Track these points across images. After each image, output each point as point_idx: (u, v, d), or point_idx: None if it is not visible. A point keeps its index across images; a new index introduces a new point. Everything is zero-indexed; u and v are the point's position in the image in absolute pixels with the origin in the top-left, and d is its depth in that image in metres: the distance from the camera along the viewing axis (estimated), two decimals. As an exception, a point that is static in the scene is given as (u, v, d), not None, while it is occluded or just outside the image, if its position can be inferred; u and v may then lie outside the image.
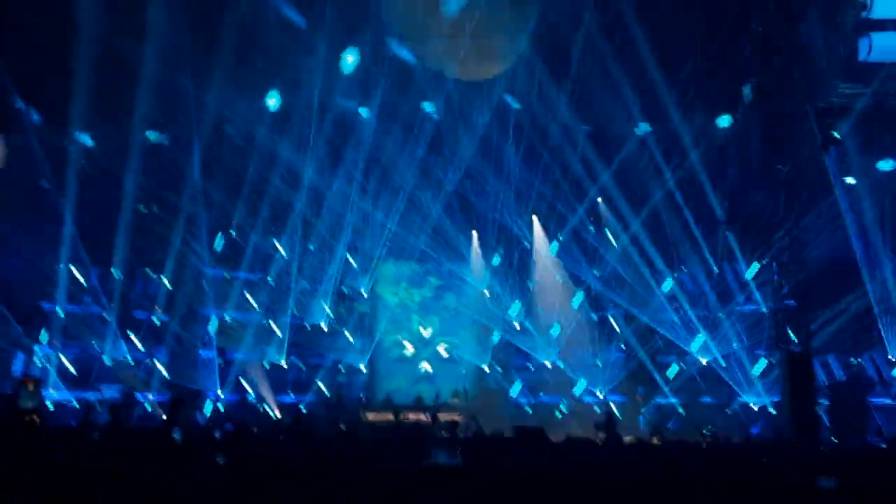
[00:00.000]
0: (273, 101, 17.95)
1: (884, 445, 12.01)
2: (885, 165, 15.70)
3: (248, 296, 20.44)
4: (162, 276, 19.68)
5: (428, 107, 18.47)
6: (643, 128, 18.12)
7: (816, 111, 12.59)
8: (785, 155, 15.61)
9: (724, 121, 17.40)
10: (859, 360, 18.68)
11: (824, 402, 17.15)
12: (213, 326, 20.17)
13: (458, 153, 19.42)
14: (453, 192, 19.82)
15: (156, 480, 5.99)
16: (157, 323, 19.86)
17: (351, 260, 20.87)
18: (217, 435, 9.86)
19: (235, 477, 6.30)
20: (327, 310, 20.87)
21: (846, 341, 18.63)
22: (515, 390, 20.70)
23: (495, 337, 21.18)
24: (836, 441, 15.36)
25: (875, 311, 17.33)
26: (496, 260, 21.08)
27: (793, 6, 12.73)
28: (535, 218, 20.93)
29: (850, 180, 16.18)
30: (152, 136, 18.39)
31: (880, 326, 17.38)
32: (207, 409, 19.03)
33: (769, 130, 15.89)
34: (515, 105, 18.38)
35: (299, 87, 17.48)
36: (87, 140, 18.11)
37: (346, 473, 6.43)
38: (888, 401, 18.42)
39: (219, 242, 20.11)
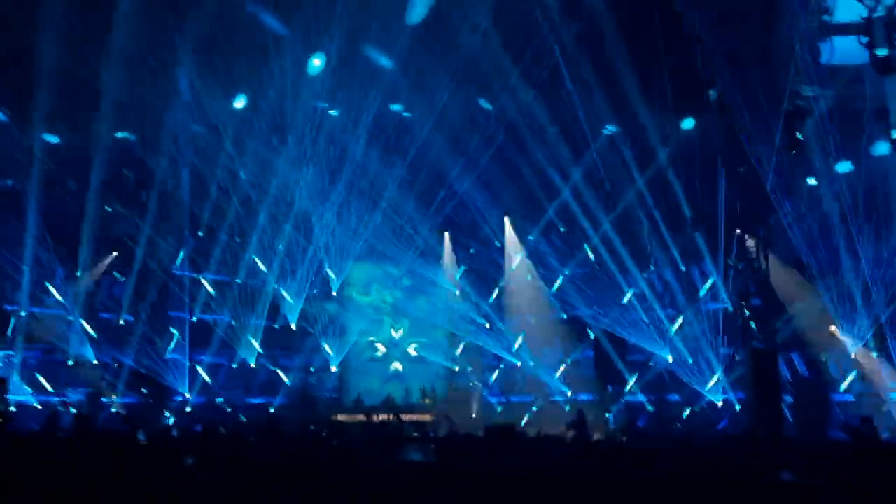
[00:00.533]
0: (241, 104, 17.81)
1: (840, 435, 12.26)
2: (842, 167, 16.05)
3: (216, 297, 20.21)
4: (124, 277, 19.38)
5: (395, 107, 18.49)
6: (610, 129, 18.30)
7: (781, 113, 12.85)
8: (750, 156, 15.88)
9: (687, 123, 17.64)
10: (822, 357, 19.06)
11: (788, 398, 17.49)
12: (180, 328, 19.91)
13: (429, 154, 19.44)
14: (426, 193, 19.81)
15: (123, 482, 5.92)
16: (123, 324, 19.53)
17: (322, 261, 20.75)
18: (175, 433, 9.74)
19: (207, 478, 6.24)
20: (297, 311, 20.73)
21: (809, 338, 19.00)
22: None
23: (466, 337, 21.24)
24: (797, 436, 15.67)
25: (833, 311, 17.69)
26: (465, 262, 21.15)
27: (758, 10, 12.98)
28: (506, 219, 21.01)
29: (811, 181, 16.51)
30: (121, 134, 18.12)
31: (840, 325, 17.75)
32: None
33: (734, 132, 16.15)
34: (487, 106, 18.45)
35: (269, 87, 17.33)
36: (53, 139, 17.75)
37: (318, 474, 6.40)
38: (849, 397, 18.82)
39: (187, 243, 19.85)
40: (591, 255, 20.14)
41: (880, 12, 10.56)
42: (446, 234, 21.30)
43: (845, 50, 11.51)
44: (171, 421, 18.44)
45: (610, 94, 17.08)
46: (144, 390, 19.20)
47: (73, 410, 17.34)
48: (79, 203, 18.20)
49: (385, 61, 17.07)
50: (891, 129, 12.02)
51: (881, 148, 14.44)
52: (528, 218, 20.47)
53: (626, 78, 16.36)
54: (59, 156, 18.08)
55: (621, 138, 18.27)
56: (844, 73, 12.27)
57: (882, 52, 10.65)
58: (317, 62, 16.83)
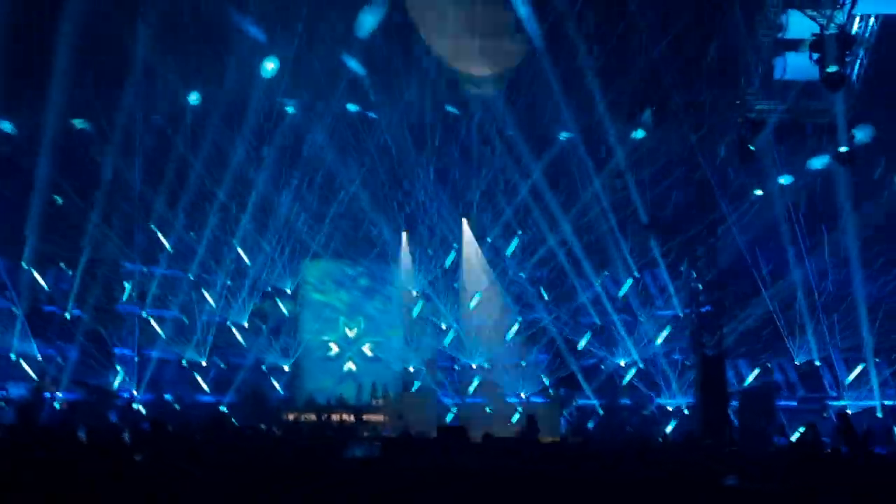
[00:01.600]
0: (195, 99, 17.54)
1: (784, 441, 12.64)
2: (785, 180, 16.51)
3: (167, 292, 19.82)
4: (72, 270, 18.87)
5: (352, 107, 18.44)
6: (566, 135, 18.51)
7: (735, 125, 13.16)
8: (703, 165, 16.23)
9: (638, 133, 17.92)
10: (768, 363, 19.56)
11: (734, 403, 17.88)
12: (129, 322, 19.47)
13: (390, 153, 19.42)
14: (386, 192, 19.76)
15: (63, 481, 5.78)
16: (70, 318, 19.01)
17: (276, 257, 20.53)
18: (126, 437, 9.51)
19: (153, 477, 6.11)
20: (250, 307, 20.47)
21: (757, 345, 19.48)
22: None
23: (422, 338, 21.22)
24: (743, 441, 16.04)
25: (779, 320, 18.20)
26: (424, 263, 21.11)
27: (716, 24, 13.27)
28: (465, 221, 21.05)
29: (758, 192, 16.95)
30: (78, 123, 17.63)
31: (784, 334, 18.25)
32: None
33: (687, 140, 16.48)
34: (454, 111, 18.49)
35: (227, 80, 17.09)
36: (7, 127, 17.14)
37: (271, 473, 6.33)
38: (793, 403, 19.36)
39: (138, 235, 19.43)
40: (548, 258, 20.29)
41: (832, 30, 10.88)
42: (404, 235, 21.25)
43: (798, 66, 11.83)
44: (116, 418, 18.00)
45: (571, 100, 17.29)
46: (89, 386, 18.68)
47: (13, 406, 16.80)
48: (26, 192, 17.65)
49: (355, 65, 17.04)
50: (838, 145, 12.39)
51: (818, 162, 14.90)
52: (487, 220, 20.51)
53: (586, 84, 16.58)
54: (8, 143, 17.54)
55: (579, 143, 18.47)
56: (796, 87, 12.62)
57: (832, 69, 10.96)
58: (270, 66, 16.68)
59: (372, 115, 18.85)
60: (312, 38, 16.53)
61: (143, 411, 18.82)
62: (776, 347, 19.28)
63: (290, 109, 18.33)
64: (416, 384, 21.19)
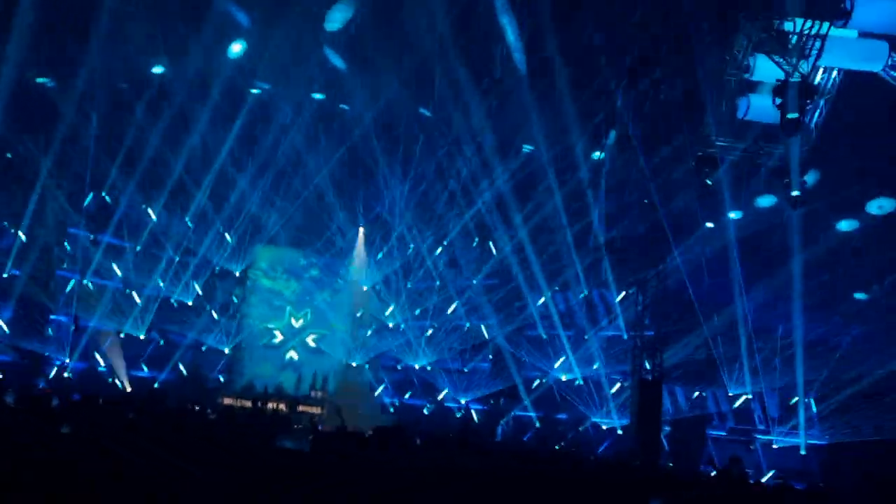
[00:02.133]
0: (158, 69, 17.16)
1: (713, 472, 12.96)
2: (735, 214, 16.94)
3: (112, 262, 19.36)
4: (18, 230, 18.29)
5: (318, 96, 18.32)
6: (528, 148, 18.68)
7: (695, 159, 13.47)
8: (658, 194, 16.55)
9: (598, 154, 18.12)
10: (703, 392, 20.01)
11: (667, 429, 18.25)
12: (69, 289, 18.97)
13: (357, 147, 19.30)
14: (349, 186, 19.65)
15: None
16: (7, 278, 18.42)
17: (228, 238, 20.24)
18: (55, 403, 9.26)
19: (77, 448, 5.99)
20: (196, 286, 20.13)
21: (694, 374, 19.91)
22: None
23: (368, 334, 21.16)
24: (672, 466, 16.38)
25: (718, 351, 18.61)
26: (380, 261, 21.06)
27: (684, 60, 13.58)
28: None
29: (709, 224, 17.36)
30: (39, 79, 17.09)
31: (719, 365, 18.69)
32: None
33: (646, 170, 16.77)
34: (427, 113, 18.48)
35: (196, 54, 16.75)
36: None
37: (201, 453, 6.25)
38: (723, 433, 19.83)
39: (88, 201, 18.94)
40: (499, 268, 20.42)
41: (796, 78, 11.21)
42: (360, 230, 21.15)
43: (760, 108, 12.14)
44: (45, 385, 17.52)
45: (538, 116, 17.42)
46: (20, 349, 18.14)
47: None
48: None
49: (336, 59, 16.90)
50: (790, 189, 12.78)
51: (765, 201, 15.32)
52: (443, 225, 20.51)
53: (552, 103, 16.75)
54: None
55: (543, 156, 18.61)
56: (756, 128, 12.98)
57: (792, 115, 11.29)
58: (237, 47, 16.44)
59: (343, 106, 18.69)
60: (288, 19, 16.30)
61: (74, 380, 18.35)
62: (712, 377, 19.73)
63: (255, 91, 18.04)
64: (357, 380, 21.09)
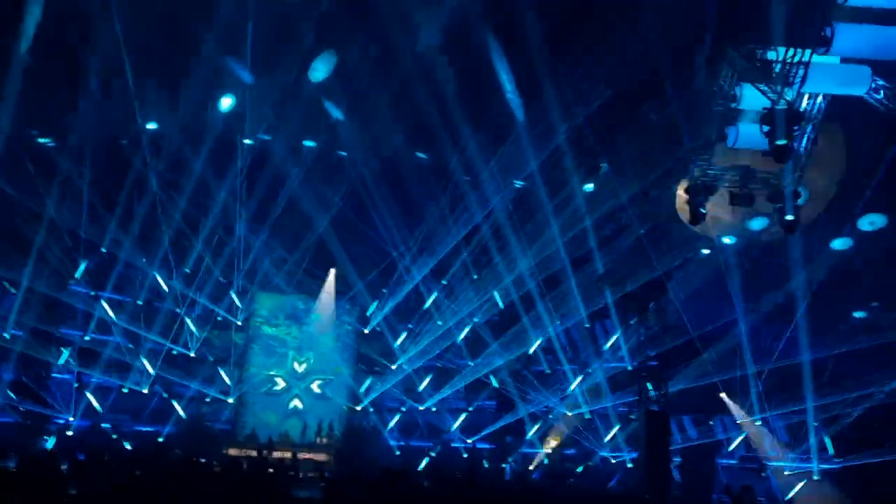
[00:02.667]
0: (152, 126, 17.37)
1: (728, 501, 12.86)
2: (729, 239, 17.02)
3: (112, 317, 19.35)
4: (14, 290, 18.29)
5: (308, 143, 18.54)
6: (518, 183, 18.81)
7: (687, 188, 13.59)
8: (652, 222, 16.68)
9: (588, 186, 18.26)
10: (710, 421, 19.90)
11: (677, 459, 18.09)
12: (71, 346, 18.92)
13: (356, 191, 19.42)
14: (346, 230, 19.75)
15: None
16: (9, 338, 18.35)
17: (230, 289, 20.28)
18: (65, 467, 9.19)
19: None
20: (199, 337, 20.10)
21: (700, 403, 19.81)
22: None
23: (370, 377, 21.08)
24: (684, 496, 16.22)
25: (723, 378, 18.56)
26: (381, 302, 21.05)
27: (672, 92, 13.80)
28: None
29: (705, 251, 17.44)
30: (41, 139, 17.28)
31: (724, 393, 18.63)
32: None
33: (638, 199, 16.90)
34: (421, 155, 18.66)
35: (189, 107, 16.96)
36: None
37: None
38: (733, 461, 19.67)
39: (87, 258, 18.96)
40: (500, 304, 20.42)
41: (781, 105, 11.38)
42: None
43: (749, 135, 12.29)
44: (50, 444, 17.38)
45: (530, 147, 17.56)
46: (22, 409, 18.02)
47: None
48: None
49: (334, 110, 17.15)
50: (784, 213, 12.87)
51: (756, 224, 15.41)
52: (442, 262, 20.55)
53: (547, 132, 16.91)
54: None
55: (536, 190, 18.71)
56: (746, 155, 13.13)
57: (781, 141, 11.42)
58: (227, 101, 16.67)
59: (342, 153, 18.85)
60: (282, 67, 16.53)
61: (78, 438, 18.19)
62: (719, 405, 19.64)
63: (247, 141, 18.22)
64: (362, 424, 20.94)
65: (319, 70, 15.98)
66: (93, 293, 19.16)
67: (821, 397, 17.94)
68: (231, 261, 19.91)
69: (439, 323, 20.97)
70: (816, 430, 18.47)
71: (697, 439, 19.62)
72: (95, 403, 19.31)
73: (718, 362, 18.86)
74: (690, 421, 19.87)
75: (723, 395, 19.04)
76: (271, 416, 20.47)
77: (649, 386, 17.98)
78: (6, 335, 18.32)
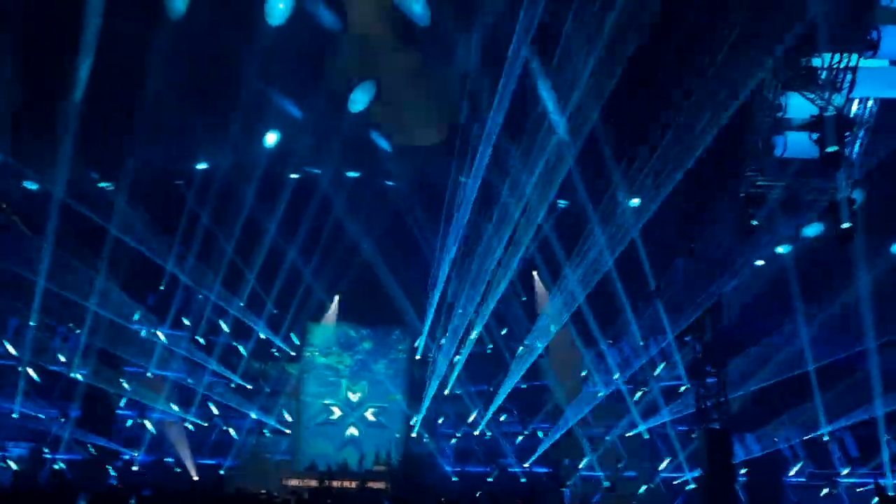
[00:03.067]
0: (202, 165, 17.81)
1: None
2: (784, 249, 16.57)
3: (173, 352, 19.84)
4: (79, 330, 18.92)
5: (352, 174, 18.77)
6: (562, 203, 18.71)
7: (738, 200, 13.35)
8: (705, 236, 16.37)
9: (633, 202, 18.04)
10: (775, 438, 19.31)
11: (742, 478, 17.57)
12: (134, 383, 19.45)
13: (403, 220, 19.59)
14: (393, 258, 19.92)
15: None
16: (75, 377, 18.98)
17: (284, 321, 20.61)
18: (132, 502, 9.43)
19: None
20: (255, 370, 20.44)
21: (763, 418, 19.27)
22: None
23: (425, 403, 21.08)
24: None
25: (785, 391, 18.01)
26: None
27: (717, 104, 13.59)
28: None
29: (759, 262, 17.04)
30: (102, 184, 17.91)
31: (791, 406, 18.06)
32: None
33: (689, 212, 16.62)
34: (467, 181, 18.72)
35: (241, 145, 17.40)
36: (32, 186, 17.29)
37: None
38: (802, 479, 19.02)
39: (149, 298, 19.53)
40: (552, 327, 20.24)
41: (830, 112, 11.12)
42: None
43: (797, 144, 12.02)
44: (116, 480, 17.83)
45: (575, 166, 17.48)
46: (90, 446, 18.57)
47: (13, 466, 16.67)
48: (38, 250, 17.75)
49: (382, 142, 17.40)
50: (840, 223, 12.50)
51: (811, 230, 14.99)
52: (489, 284, 20.46)
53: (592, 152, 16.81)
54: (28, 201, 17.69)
55: (579, 211, 18.57)
56: (795, 164, 12.85)
57: (832, 149, 11.15)
58: (272, 137, 16.99)
59: (389, 182, 19.07)
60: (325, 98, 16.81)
61: (142, 473, 18.65)
62: (783, 420, 19.07)
63: (293, 176, 18.56)
64: (418, 451, 20.93)
65: (358, 100, 16.20)
66: (153, 329, 19.67)
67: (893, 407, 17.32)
68: (284, 293, 20.23)
69: (490, 347, 20.93)
70: (889, 442, 17.79)
71: (761, 456, 19.04)
72: (154, 436, 19.73)
73: (780, 374, 18.36)
74: (753, 437, 19.30)
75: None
76: (328, 446, 20.63)
77: (707, 403, 17.55)
78: (72, 375, 18.97)
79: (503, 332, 20.96)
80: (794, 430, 19.15)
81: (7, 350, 18.41)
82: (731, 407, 17.65)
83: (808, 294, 17.69)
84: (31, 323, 18.50)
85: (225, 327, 19.89)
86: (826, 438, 18.51)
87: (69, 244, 18.21)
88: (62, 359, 18.94)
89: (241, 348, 20.19)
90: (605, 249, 18.59)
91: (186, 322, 19.91)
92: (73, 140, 15.59)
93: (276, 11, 13.76)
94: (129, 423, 19.59)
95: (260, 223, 18.94)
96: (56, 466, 18.02)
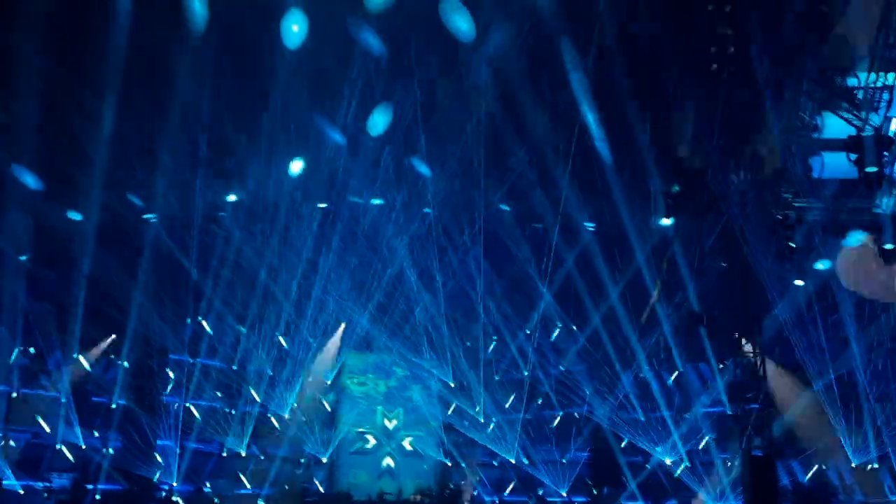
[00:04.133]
0: (233, 197, 17.92)
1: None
2: (824, 264, 16.17)
3: (209, 383, 20.03)
4: (120, 360, 19.23)
5: (377, 201, 18.75)
6: (589, 225, 18.54)
7: (774, 222, 13.15)
8: (745, 259, 16.08)
9: (664, 222, 17.76)
10: (822, 465, 18.74)
11: (787, 508, 17.06)
12: (172, 413, 19.67)
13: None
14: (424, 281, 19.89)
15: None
16: (115, 408, 19.25)
17: (319, 349, 20.67)
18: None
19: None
20: (290, 399, 20.51)
21: (809, 444, 18.74)
22: None
23: (461, 431, 20.91)
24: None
25: (833, 416, 17.51)
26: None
27: (750, 127, 13.43)
28: None
29: (798, 282, 16.68)
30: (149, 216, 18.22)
31: (839, 432, 17.53)
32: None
33: (728, 233, 16.34)
34: (505, 208, 18.65)
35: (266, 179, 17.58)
36: (76, 216, 17.57)
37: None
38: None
39: (186, 327, 19.76)
40: (591, 351, 20.01)
41: (868, 132, 10.93)
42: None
43: (835, 165, 11.83)
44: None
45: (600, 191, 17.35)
46: (130, 477, 18.77)
47: (55, 497, 16.94)
48: (80, 282, 18.11)
49: (422, 167, 17.47)
50: (882, 243, 12.22)
51: (853, 239, 14.60)
52: (520, 312, 20.32)
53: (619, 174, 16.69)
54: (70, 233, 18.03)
55: (609, 235, 18.38)
56: (832, 185, 12.64)
57: (871, 169, 10.95)
58: (297, 166, 16.99)
59: (427, 210, 19.10)
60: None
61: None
62: (830, 446, 18.51)
63: (321, 205, 18.68)
64: (455, 479, 20.72)
65: (378, 124, 16.33)
66: (190, 360, 19.88)
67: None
68: (318, 322, 20.32)
69: (525, 373, 20.72)
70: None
71: (809, 486, 18.47)
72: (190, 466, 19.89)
73: (828, 397, 17.87)
74: (799, 465, 18.75)
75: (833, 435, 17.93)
76: (363, 475, 20.50)
77: (751, 429, 17.11)
78: (113, 405, 19.25)
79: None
80: (842, 456, 18.56)
81: (51, 381, 18.76)
82: (775, 432, 17.22)
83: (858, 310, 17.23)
84: (74, 355, 18.91)
85: (259, 357, 19.97)
86: (875, 465, 17.90)
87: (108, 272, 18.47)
88: (103, 388, 19.23)
89: (275, 378, 20.25)
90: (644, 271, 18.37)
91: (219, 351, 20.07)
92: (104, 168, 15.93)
93: (291, 35, 13.80)
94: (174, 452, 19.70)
95: (292, 252, 19.11)
96: (97, 497, 18.20)
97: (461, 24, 13.60)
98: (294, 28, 13.72)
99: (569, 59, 14.20)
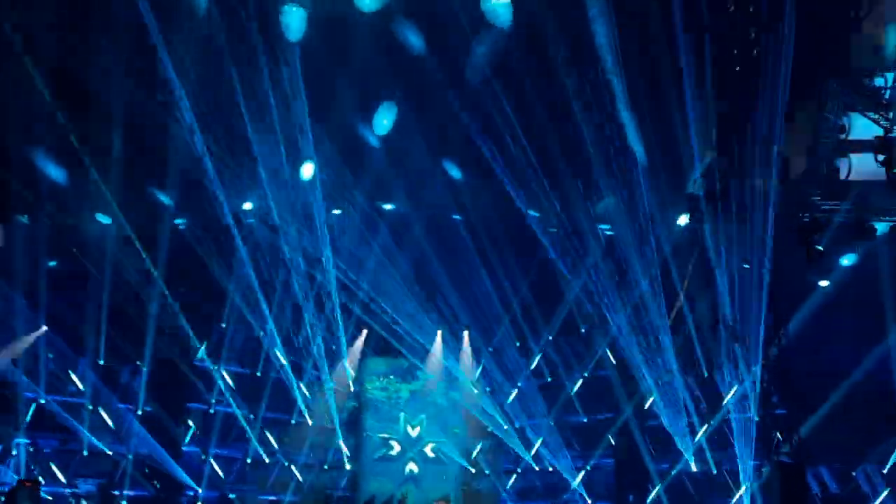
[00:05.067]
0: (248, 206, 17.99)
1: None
2: (849, 259, 15.78)
3: (234, 389, 20.14)
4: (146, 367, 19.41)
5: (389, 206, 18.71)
6: (605, 228, 18.34)
7: (800, 226, 12.94)
8: (769, 263, 15.84)
9: (681, 220, 17.51)
10: (854, 472, 18.38)
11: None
12: (197, 420, 19.81)
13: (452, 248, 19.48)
14: (442, 289, 19.81)
15: None
16: (142, 414, 19.43)
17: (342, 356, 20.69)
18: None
19: None
20: (314, 405, 20.54)
21: (841, 452, 18.38)
22: None
23: (485, 437, 20.79)
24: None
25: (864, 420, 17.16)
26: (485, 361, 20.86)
27: (774, 129, 13.25)
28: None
29: (824, 283, 16.40)
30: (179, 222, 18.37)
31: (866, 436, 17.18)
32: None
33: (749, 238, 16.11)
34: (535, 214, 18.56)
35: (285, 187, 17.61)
36: (105, 220, 17.72)
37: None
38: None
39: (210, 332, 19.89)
40: (611, 358, 19.82)
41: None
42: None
43: (862, 166, 11.65)
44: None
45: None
46: (156, 483, 18.95)
47: (83, 503, 17.12)
48: (106, 288, 18.30)
49: (454, 170, 17.41)
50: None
51: (881, 227, 14.27)
52: (540, 318, 20.15)
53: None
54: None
55: (629, 236, 18.16)
56: (859, 186, 12.41)
57: (901, 169, 10.74)
58: (308, 169, 16.91)
59: (456, 216, 19.01)
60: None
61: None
62: (862, 451, 18.16)
63: (336, 211, 18.66)
64: (479, 486, 20.59)
65: (382, 122, 16.29)
66: (214, 367, 20.01)
67: None
68: (342, 327, 20.32)
69: (549, 379, 20.57)
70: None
71: (839, 493, 18.10)
72: (221, 474, 20.03)
73: (859, 403, 17.50)
74: (829, 472, 18.38)
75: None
76: (387, 483, 20.45)
77: (779, 435, 16.85)
78: (139, 412, 19.43)
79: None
80: (875, 463, 18.20)
81: (77, 387, 18.99)
82: (804, 438, 16.95)
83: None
84: (100, 361, 19.13)
85: (282, 364, 20.02)
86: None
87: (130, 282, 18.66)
88: (128, 395, 19.42)
89: (299, 384, 20.29)
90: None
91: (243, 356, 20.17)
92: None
93: (293, 26, 13.80)
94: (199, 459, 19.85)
95: (314, 258, 19.12)
96: (124, 503, 18.39)
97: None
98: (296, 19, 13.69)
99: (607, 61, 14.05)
